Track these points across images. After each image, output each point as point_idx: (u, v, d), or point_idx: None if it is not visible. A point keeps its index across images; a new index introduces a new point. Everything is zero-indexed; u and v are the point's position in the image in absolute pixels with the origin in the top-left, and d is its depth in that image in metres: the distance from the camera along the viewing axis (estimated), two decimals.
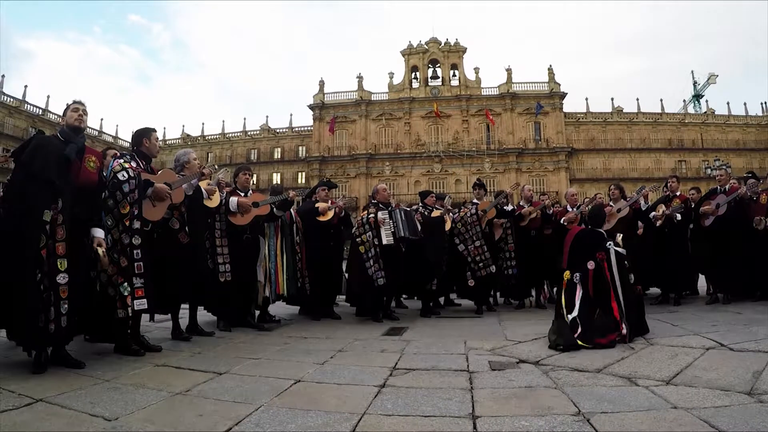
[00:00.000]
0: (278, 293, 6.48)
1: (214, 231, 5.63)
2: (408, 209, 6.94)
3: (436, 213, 7.32)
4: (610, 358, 3.89)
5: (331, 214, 6.86)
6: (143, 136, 4.75)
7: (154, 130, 4.87)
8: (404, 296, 8.31)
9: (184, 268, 4.85)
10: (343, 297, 7.57)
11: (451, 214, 7.49)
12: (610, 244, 4.65)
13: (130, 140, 4.98)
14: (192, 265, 4.93)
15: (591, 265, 4.54)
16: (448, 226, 7.29)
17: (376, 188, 7.16)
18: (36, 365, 3.48)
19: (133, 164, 4.38)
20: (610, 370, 3.62)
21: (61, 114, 4.14)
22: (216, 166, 5.52)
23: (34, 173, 3.61)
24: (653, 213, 7.07)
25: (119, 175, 4.16)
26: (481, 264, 7.07)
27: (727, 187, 6.98)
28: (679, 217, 6.97)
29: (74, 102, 4.01)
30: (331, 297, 7.22)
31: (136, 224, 4.20)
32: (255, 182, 43.17)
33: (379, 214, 6.49)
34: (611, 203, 7.37)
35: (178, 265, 4.79)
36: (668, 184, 7.69)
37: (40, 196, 3.57)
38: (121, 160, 4.31)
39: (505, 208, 7.42)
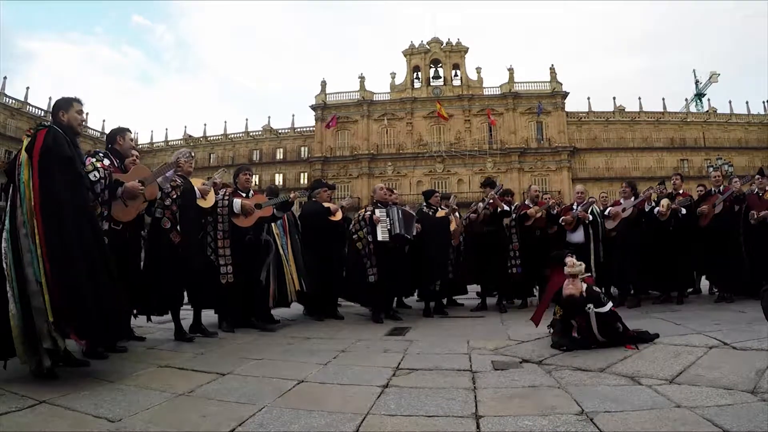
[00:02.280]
0: (297, 290, 6.57)
1: (216, 232, 5.63)
2: (405, 208, 6.97)
3: (441, 213, 7.33)
4: (613, 358, 3.88)
5: (340, 214, 6.93)
6: (117, 134, 4.66)
7: (128, 130, 4.79)
8: (404, 297, 8.31)
9: (177, 268, 4.87)
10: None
11: (457, 214, 7.49)
12: (590, 308, 4.28)
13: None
14: (185, 265, 4.94)
15: (574, 323, 4.39)
16: (453, 226, 7.29)
17: (374, 188, 7.28)
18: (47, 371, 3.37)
19: (106, 162, 4.23)
20: (613, 370, 3.62)
21: (56, 106, 3.81)
22: (188, 153, 5.38)
23: (80, 174, 3.62)
24: (657, 208, 7.02)
25: (91, 176, 3.98)
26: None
27: (721, 188, 7.01)
28: (684, 210, 6.97)
29: (79, 101, 3.86)
30: (335, 297, 7.24)
31: (105, 225, 4.14)
32: (257, 183, 43.24)
33: (377, 211, 6.55)
34: (622, 200, 7.38)
35: (170, 265, 4.83)
36: (673, 182, 7.65)
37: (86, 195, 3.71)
38: (93, 159, 4.13)
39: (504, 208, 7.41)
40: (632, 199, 7.16)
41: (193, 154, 5.62)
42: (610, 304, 4.40)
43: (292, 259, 6.63)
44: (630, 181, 7.63)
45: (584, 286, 4.43)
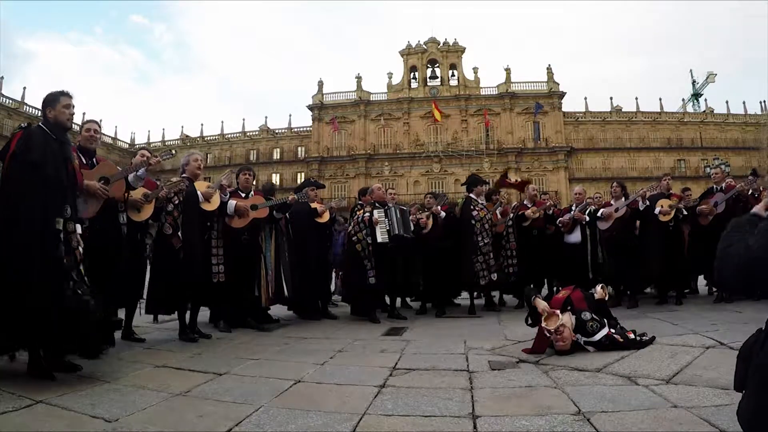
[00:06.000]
0: (272, 294, 6.48)
1: (211, 232, 5.61)
2: (403, 208, 6.97)
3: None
4: (610, 358, 3.89)
5: (327, 215, 6.92)
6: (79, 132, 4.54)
7: (89, 122, 4.59)
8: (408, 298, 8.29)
9: (180, 270, 4.91)
10: (339, 297, 7.61)
11: (441, 215, 7.33)
12: (578, 338, 4.21)
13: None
14: (188, 268, 4.95)
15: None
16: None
17: (371, 188, 7.22)
18: (44, 371, 3.38)
19: None
20: (610, 370, 3.62)
21: (44, 103, 3.65)
22: (173, 152, 5.21)
23: (48, 177, 3.39)
24: (658, 209, 6.99)
25: None
26: (492, 263, 7.04)
27: (723, 185, 6.97)
28: (685, 211, 6.97)
29: (66, 95, 3.67)
30: (328, 297, 7.23)
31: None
32: (254, 183, 43.07)
33: (375, 212, 6.52)
34: (612, 201, 7.38)
35: (174, 268, 4.89)
36: (666, 183, 7.59)
37: (52, 202, 3.41)
38: None
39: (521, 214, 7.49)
40: (623, 199, 7.16)
41: (199, 158, 5.60)
42: (602, 332, 4.23)
43: (273, 262, 6.46)
44: (619, 182, 7.62)
45: (573, 319, 4.26)
